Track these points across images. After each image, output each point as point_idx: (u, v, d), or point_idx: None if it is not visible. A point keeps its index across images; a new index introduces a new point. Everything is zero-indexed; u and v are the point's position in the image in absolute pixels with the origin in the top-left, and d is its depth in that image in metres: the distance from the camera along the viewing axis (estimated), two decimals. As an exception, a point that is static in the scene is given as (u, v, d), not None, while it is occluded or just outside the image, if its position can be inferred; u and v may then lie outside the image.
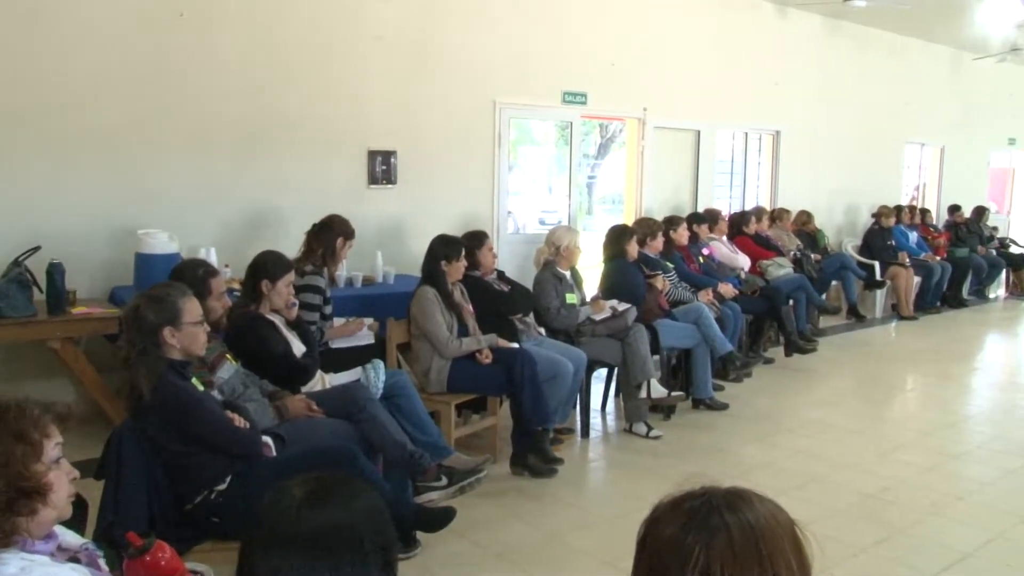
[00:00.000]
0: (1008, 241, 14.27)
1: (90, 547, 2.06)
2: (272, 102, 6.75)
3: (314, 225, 5.51)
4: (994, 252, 13.33)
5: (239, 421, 3.41)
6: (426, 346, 5.30)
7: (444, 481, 4.44)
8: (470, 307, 5.53)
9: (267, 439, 3.55)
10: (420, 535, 4.12)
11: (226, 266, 5.93)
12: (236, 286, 5.34)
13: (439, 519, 4.06)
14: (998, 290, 13.78)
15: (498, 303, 5.79)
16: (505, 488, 5.10)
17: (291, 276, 4.55)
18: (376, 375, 4.59)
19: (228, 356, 3.98)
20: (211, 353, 3.79)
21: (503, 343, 5.45)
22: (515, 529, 4.55)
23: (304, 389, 4.34)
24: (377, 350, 5.30)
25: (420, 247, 5.67)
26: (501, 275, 6.11)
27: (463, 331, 5.36)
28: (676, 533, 1.18)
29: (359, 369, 4.67)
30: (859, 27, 11.85)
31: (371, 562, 1.30)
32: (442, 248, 5.42)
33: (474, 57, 7.87)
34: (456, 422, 5.39)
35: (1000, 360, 10.24)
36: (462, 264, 5.47)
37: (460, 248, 5.49)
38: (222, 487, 3.30)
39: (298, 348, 4.46)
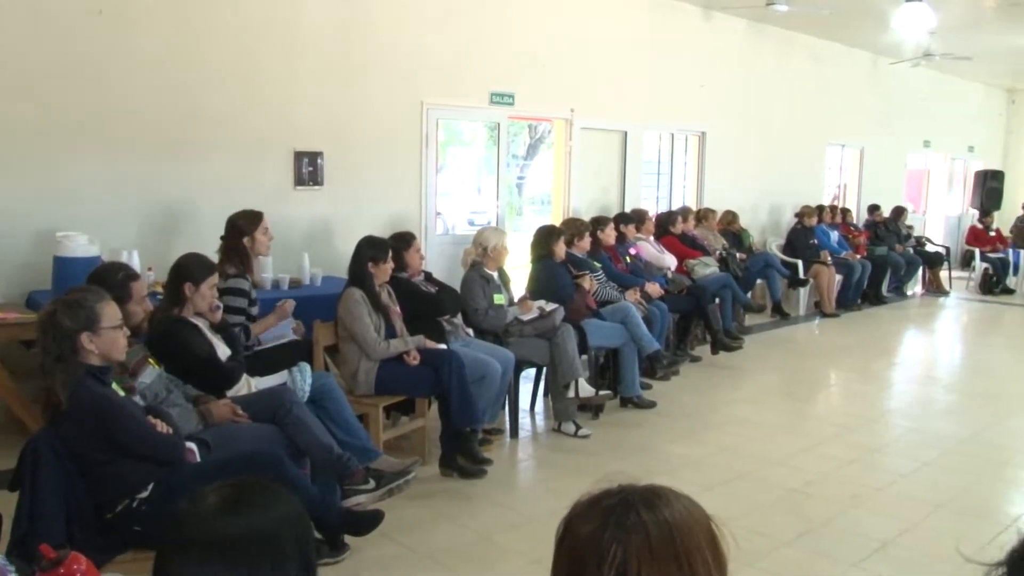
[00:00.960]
0: (924, 240, 14.69)
1: (1, 562, 2.00)
2: (196, 102, 6.63)
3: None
4: (911, 250, 13.69)
5: (161, 427, 3.35)
6: (353, 348, 5.27)
7: (372, 484, 4.40)
8: (397, 308, 5.51)
9: (191, 445, 3.49)
10: (349, 539, 4.09)
11: (149, 269, 5.80)
12: (159, 289, 5.23)
13: (367, 522, 4.04)
14: (915, 287, 14.16)
15: (426, 304, 5.78)
16: (434, 490, 5.10)
17: (215, 279, 4.48)
18: (302, 378, 4.54)
19: (150, 361, 3.90)
20: (132, 358, 3.72)
21: (431, 344, 5.43)
22: (445, 530, 4.55)
23: (229, 393, 4.27)
24: (303, 353, 5.25)
25: (348, 248, 5.62)
26: (429, 276, 6.11)
27: (390, 333, 5.34)
28: (593, 531, 1.18)
29: (285, 372, 4.61)
30: (782, 31, 12.07)
31: (291, 567, 1.29)
32: (369, 250, 5.39)
33: (402, 57, 7.83)
34: (384, 424, 5.38)
35: (918, 355, 10.54)
36: (389, 265, 5.44)
37: (387, 249, 5.46)
38: (144, 495, 3.24)
39: (223, 352, 4.39)
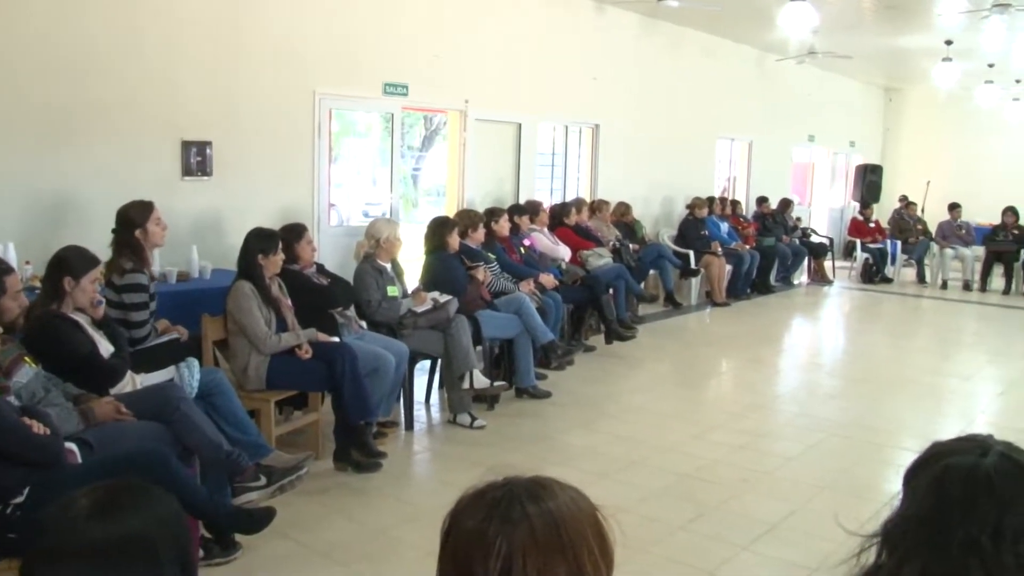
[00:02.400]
0: (809, 231, 15.17)
1: None
2: (78, 88, 6.36)
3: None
4: (797, 241, 14.14)
5: (38, 428, 3.21)
6: (243, 342, 5.16)
7: (263, 481, 4.31)
8: (288, 301, 5.41)
9: (71, 446, 3.36)
10: (241, 537, 4.01)
11: (27, 263, 5.57)
12: (38, 284, 5.02)
13: (258, 520, 3.96)
14: (801, 276, 14.62)
15: (317, 297, 5.69)
16: (329, 485, 5.04)
17: (96, 272, 4.31)
18: (190, 374, 4.43)
19: (27, 359, 3.74)
20: (6, 356, 3.56)
21: (323, 337, 5.36)
22: (340, 526, 4.51)
23: (113, 391, 4.12)
24: (192, 348, 5.11)
25: (238, 241, 5.48)
26: (321, 268, 6.02)
27: (281, 326, 5.24)
28: (478, 525, 1.18)
29: (172, 368, 4.48)
30: (673, 27, 12.26)
31: (167, 570, 1.24)
32: (259, 241, 5.27)
33: (294, 46, 7.68)
34: (277, 419, 5.29)
35: (804, 342, 10.88)
36: (280, 257, 5.34)
37: (277, 241, 5.36)
38: (19, 500, 3.10)
39: (105, 348, 4.23)
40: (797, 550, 4.33)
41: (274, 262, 5.30)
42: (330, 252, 7.74)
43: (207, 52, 7.08)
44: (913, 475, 1.33)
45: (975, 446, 1.28)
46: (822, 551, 4.16)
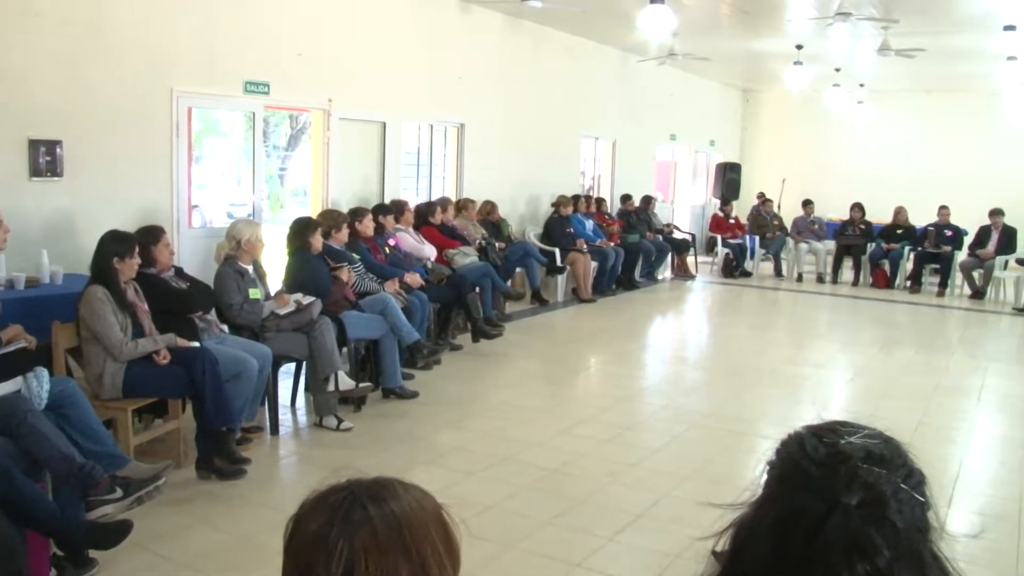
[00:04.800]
0: (672, 227, 15.57)
1: None
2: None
3: None
4: (661, 238, 14.50)
5: None
6: (98, 349, 4.96)
7: (119, 493, 4.15)
8: (145, 306, 5.23)
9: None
10: (96, 553, 3.87)
11: None
12: None
13: (114, 534, 3.82)
14: (665, 272, 15.01)
15: (176, 300, 5.53)
16: (192, 494, 4.91)
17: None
18: (39, 384, 4.22)
19: None
20: None
21: (182, 342, 5.21)
22: (204, 536, 4.39)
23: (-48, 406, 3.92)
24: (41, 357, 4.88)
25: (91, 244, 5.26)
26: (180, 272, 5.84)
27: (138, 332, 5.07)
28: (320, 529, 1.17)
29: (20, 379, 4.27)
30: (537, 26, 12.39)
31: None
32: (113, 244, 5.08)
33: (150, 41, 7.40)
34: (135, 428, 5.12)
35: (668, 336, 11.17)
36: (136, 261, 5.16)
37: (133, 244, 5.18)
38: None
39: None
40: (661, 538, 4.45)
41: (130, 266, 5.12)
42: (191, 255, 7.52)
43: (58, 46, 6.76)
44: (765, 488, 1.22)
45: (828, 485, 1.13)
46: (685, 538, 4.28)
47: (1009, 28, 10.35)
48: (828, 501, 1.11)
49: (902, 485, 1.12)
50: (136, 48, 7.30)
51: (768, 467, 1.21)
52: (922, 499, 1.14)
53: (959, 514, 5.04)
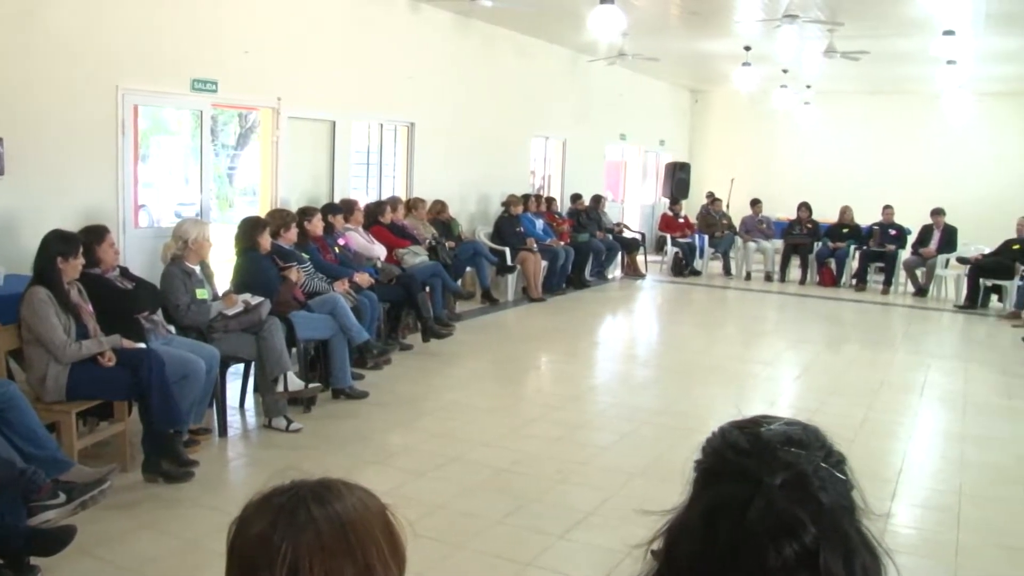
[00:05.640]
0: (622, 226, 15.66)
1: None
2: None
3: None
4: (611, 237, 14.57)
5: None
6: (40, 352, 4.86)
7: (63, 497, 4.08)
8: (89, 307, 5.14)
9: None
10: (39, 560, 3.78)
11: None
12: None
13: (57, 540, 3.75)
14: (615, 271, 15.08)
15: (121, 301, 5.43)
16: (138, 498, 4.82)
17: None
18: (-23, 387, 4.14)
19: None
20: None
21: (128, 344, 5.13)
22: (151, 540, 4.33)
23: None
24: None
25: (33, 244, 5.16)
26: (125, 272, 5.75)
27: (82, 333, 4.98)
28: (263, 531, 1.15)
29: (-43, 383, 4.19)
30: (488, 26, 12.38)
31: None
32: (57, 244, 4.99)
33: (95, 37, 7.26)
34: (81, 431, 5.04)
35: (618, 335, 11.25)
36: (79, 261, 5.06)
37: (77, 244, 5.08)
38: None
39: None
40: (611, 535, 4.45)
41: (74, 266, 5.03)
42: (138, 254, 7.40)
43: (-4, 42, 6.62)
44: (693, 485, 1.26)
45: (750, 470, 1.14)
46: (635, 536, 4.27)
47: (948, 33, 10.56)
48: (751, 485, 1.13)
49: (822, 464, 1.14)
50: (80, 44, 7.16)
51: (695, 464, 1.24)
52: (843, 477, 1.16)
53: (902, 507, 5.13)
